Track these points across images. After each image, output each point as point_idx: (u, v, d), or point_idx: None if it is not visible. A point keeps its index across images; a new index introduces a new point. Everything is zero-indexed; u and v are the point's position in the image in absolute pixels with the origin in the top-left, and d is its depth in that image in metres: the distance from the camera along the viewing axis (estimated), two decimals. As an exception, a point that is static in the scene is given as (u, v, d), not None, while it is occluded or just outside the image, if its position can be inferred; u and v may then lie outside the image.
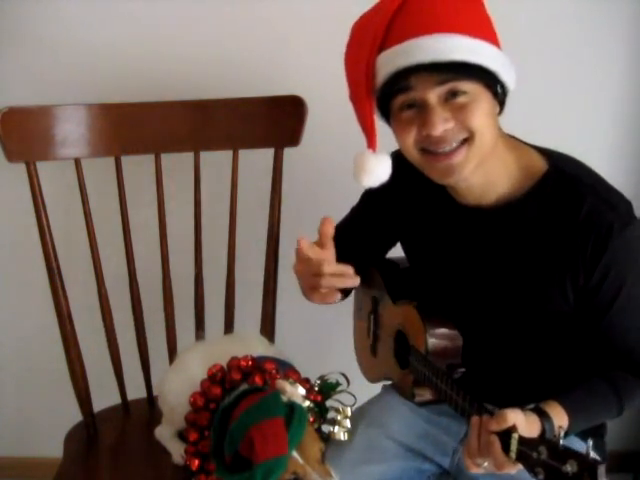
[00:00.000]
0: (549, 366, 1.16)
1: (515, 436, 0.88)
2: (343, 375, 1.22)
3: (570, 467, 0.80)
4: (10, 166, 1.32)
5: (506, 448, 0.89)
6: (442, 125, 1.00)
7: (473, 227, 1.13)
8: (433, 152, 1.03)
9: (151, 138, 1.41)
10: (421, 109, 1.02)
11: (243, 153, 1.46)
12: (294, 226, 1.59)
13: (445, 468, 1.22)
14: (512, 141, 1.13)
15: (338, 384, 1.19)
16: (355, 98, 1.07)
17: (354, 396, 1.19)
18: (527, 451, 0.86)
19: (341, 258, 1.32)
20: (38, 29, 1.53)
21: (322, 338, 1.72)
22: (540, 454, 0.84)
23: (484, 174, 1.07)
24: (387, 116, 1.08)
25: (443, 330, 1.17)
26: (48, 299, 1.39)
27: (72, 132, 1.36)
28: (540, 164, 1.09)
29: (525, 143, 1.14)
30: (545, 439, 0.86)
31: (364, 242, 1.34)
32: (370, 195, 1.30)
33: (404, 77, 0.99)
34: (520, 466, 0.93)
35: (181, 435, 1.25)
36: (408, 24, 0.99)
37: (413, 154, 1.06)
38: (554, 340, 1.13)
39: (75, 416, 1.44)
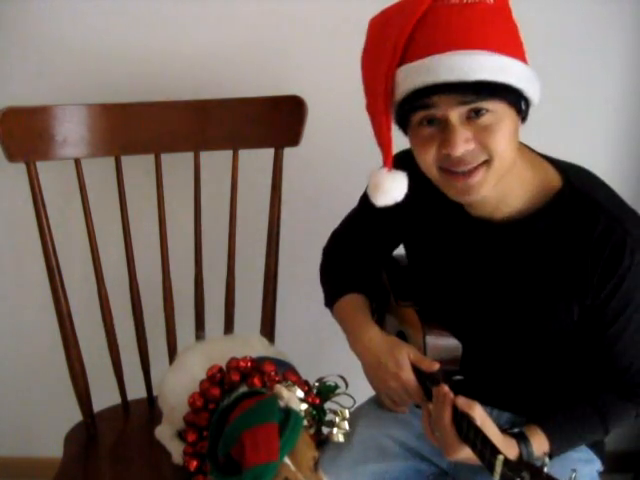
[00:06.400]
0: (547, 376, 1.16)
1: (500, 457, 0.88)
2: (341, 377, 1.22)
3: None
4: (10, 166, 1.32)
5: (490, 468, 0.89)
6: (463, 146, 0.97)
7: (482, 239, 1.12)
8: (452, 171, 1.01)
9: (151, 138, 1.41)
10: (442, 127, 0.98)
11: (243, 153, 1.46)
12: (294, 226, 1.60)
13: (443, 469, 1.22)
14: (528, 154, 1.10)
15: (337, 387, 1.19)
16: (372, 111, 1.04)
17: (353, 398, 1.20)
18: (511, 474, 0.85)
19: (348, 261, 1.32)
20: (38, 29, 1.53)
21: (322, 338, 1.72)
22: (523, 479, 0.84)
23: (501, 189, 1.04)
24: (404, 126, 1.04)
25: (443, 338, 1.16)
26: (48, 298, 1.39)
27: (72, 132, 1.36)
28: (555, 180, 1.07)
29: (539, 154, 1.12)
30: (529, 464, 0.86)
31: (370, 245, 1.33)
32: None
33: (426, 95, 0.96)
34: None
35: (181, 435, 1.25)
36: (432, 37, 0.94)
37: (432, 171, 1.03)
38: (553, 354, 1.13)
39: (75, 416, 1.44)
